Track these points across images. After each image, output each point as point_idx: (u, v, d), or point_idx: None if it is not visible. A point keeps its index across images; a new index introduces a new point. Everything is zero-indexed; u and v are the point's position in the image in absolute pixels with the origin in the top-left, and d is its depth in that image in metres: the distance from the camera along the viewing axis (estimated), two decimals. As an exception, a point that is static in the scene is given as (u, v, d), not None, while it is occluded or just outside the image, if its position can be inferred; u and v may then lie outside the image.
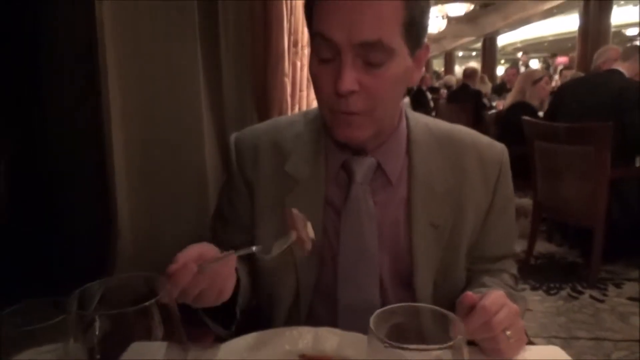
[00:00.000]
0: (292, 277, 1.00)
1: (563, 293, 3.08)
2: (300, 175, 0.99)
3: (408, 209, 0.99)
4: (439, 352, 0.48)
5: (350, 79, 0.84)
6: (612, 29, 9.56)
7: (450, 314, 0.53)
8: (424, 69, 1.00)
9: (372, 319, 0.52)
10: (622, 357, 2.39)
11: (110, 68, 1.39)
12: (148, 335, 0.54)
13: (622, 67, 3.42)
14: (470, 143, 1.03)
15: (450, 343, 0.48)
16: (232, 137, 1.09)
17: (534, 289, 3.14)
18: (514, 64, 10.46)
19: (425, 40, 0.93)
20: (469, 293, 0.84)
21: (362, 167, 0.98)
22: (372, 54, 0.84)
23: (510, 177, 1.05)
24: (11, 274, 1.02)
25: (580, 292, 3.07)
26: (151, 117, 1.49)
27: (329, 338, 0.86)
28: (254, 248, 0.77)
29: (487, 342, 0.83)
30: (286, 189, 0.99)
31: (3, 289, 0.90)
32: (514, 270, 1.10)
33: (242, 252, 0.77)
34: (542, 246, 3.77)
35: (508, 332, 0.82)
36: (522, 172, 3.30)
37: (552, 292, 3.09)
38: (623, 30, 14.46)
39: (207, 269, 0.73)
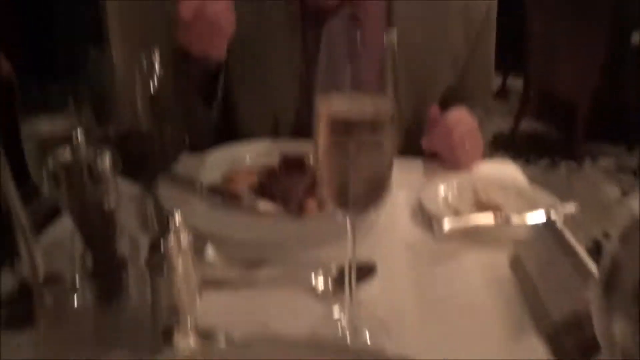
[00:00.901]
0: (270, 114, 1.05)
1: (541, 164, 3.23)
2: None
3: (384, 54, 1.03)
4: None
5: None
6: None
7: None
8: None
9: None
10: (587, 218, 2.58)
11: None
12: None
13: None
14: None
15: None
16: None
17: (513, 159, 3.28)
18: None
19: None
20: (435, 106, 0.93)
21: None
22: None
23: (495, 26, 1.07)
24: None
25: (558, 164, 3.22)
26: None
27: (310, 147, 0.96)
28: None
29: (447, 152, 0.94)
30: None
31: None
32: (489, 103, 1.16)
33: None
34: (529, 125, 3.86)
35: (466, 145, 0.93)
36: (517, 51, 3.31)
37: (530, 162, 3.24)
38: None
39: None
